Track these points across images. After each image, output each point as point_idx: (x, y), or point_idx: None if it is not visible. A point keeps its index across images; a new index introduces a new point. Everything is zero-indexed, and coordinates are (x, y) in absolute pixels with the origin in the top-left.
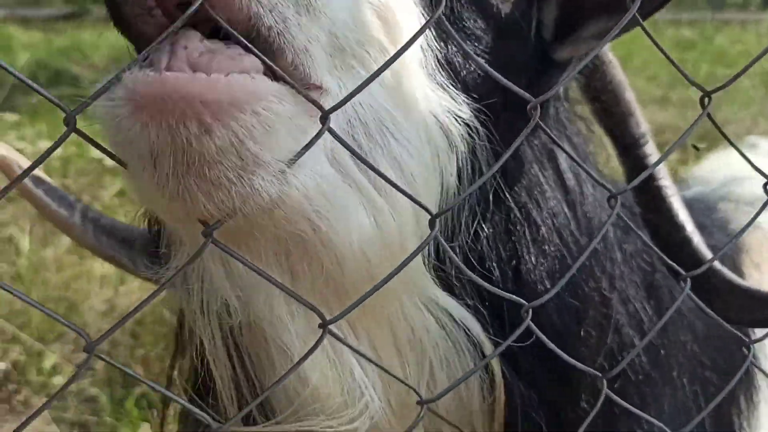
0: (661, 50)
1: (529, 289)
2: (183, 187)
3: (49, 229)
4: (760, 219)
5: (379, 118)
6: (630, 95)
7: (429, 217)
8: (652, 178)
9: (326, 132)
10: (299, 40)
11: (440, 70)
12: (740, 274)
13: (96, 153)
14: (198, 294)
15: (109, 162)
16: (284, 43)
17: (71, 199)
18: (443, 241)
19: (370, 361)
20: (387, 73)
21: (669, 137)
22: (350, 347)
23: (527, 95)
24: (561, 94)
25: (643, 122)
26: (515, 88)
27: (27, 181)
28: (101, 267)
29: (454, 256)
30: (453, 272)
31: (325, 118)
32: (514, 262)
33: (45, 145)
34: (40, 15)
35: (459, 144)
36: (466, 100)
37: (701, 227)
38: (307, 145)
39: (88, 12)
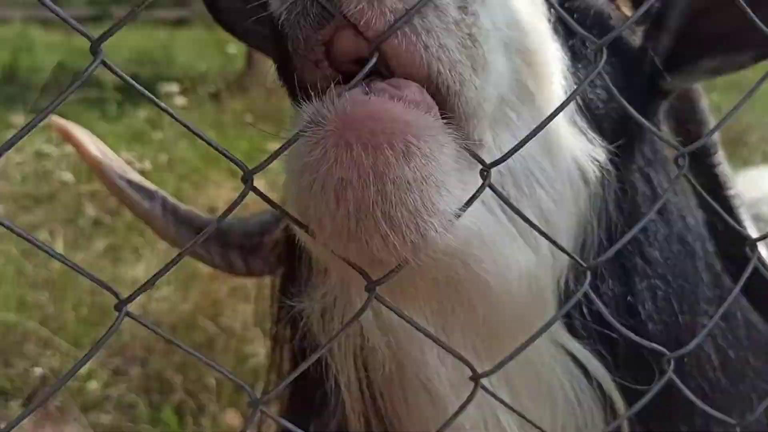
0: None
1: (639, 323)
2: (362, 225)
3: (80, 233)
4: None
5: (528, 167)
6: (705, 105)
7: (579, 266)
8: (721, 188)
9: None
10: (473, 100)
11: (579, 114)
12: None
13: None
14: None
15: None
16: (458, 104)
17: (152, 189)
18: (592, 294)
19: (517, 413)
20: (537, 119)
21: None
22: (501, 401)
23: (676, 144)
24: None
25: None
26: (668, 141)
27: (112, 173)
28: (132, 271)
29: (603, 308)
30: (579, 319)
31: (486, 171)
32: (629, 298)
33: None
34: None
35: (595, 185)
36: (601, 142)
37: None
38: (471, 198)
39: (110, 15)
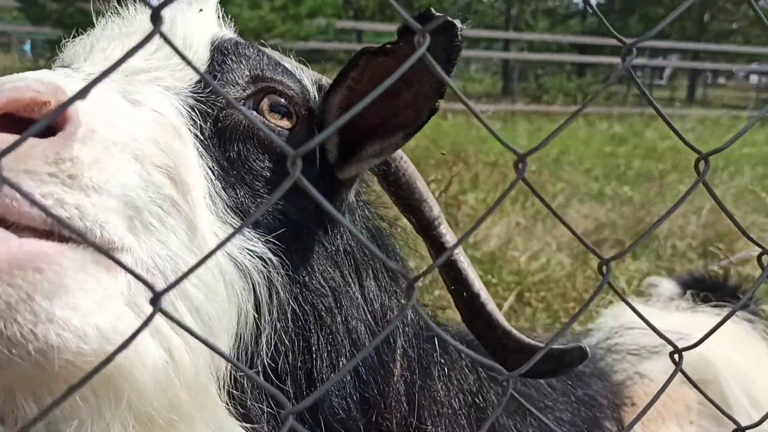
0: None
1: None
2: None
3: None
4: (648, 368)
5: (176, 267)
6: (422, 184)
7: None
8: (450, 255)
9: (127, 277)
10: (97, 216)
11: (231, 214)
12: (623, 426)
13: None
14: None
15: None
16: (85, 224)
17: None
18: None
19: None
20: (182, 225)
21: (607, 234)
22: None
23: (288, 148)
24: (353, 202)
25: (435, 206)
26: (279, 142)
27: None
28: None
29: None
30: (251, 395)
31: (156, 299)
32: (308, 366)
33: None
34: None
35: (255, 275)
36: (257, 236)
37: (578, 376)
38: (140, 327)
39: None
